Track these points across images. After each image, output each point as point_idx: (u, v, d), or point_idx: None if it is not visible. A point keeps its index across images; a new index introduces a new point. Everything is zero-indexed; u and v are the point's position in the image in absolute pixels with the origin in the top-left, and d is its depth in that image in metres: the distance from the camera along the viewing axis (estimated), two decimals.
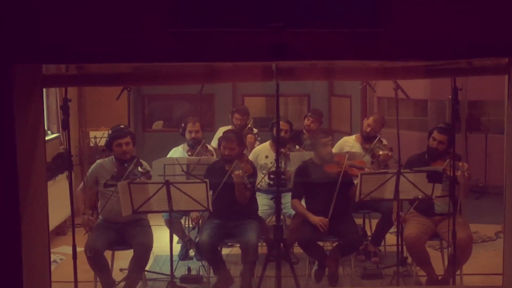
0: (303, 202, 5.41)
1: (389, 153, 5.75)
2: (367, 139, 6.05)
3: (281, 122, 5.49)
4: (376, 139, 5.96)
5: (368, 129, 6.06)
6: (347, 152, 5.49)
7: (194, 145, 6.04)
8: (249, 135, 6.54)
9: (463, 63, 4.00)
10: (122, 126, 5.20)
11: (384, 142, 6.05)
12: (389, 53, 3.48)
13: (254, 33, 3.36)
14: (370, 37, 3.40)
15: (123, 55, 3.49)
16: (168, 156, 6.11)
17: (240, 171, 4.96)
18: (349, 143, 6.16)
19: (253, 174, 5.29)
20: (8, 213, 3.61)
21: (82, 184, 5.19)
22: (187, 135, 6.08)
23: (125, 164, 5.04)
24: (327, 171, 5.18)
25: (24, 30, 3.41)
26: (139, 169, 5.05)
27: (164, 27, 3.36)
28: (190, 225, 5.85)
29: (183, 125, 6.15)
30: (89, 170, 5.19)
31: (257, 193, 5.62)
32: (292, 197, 5.36)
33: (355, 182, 5.07)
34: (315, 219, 5.12)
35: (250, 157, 5.91)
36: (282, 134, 5.92)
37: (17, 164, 3.58)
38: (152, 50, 3.45)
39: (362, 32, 3.38)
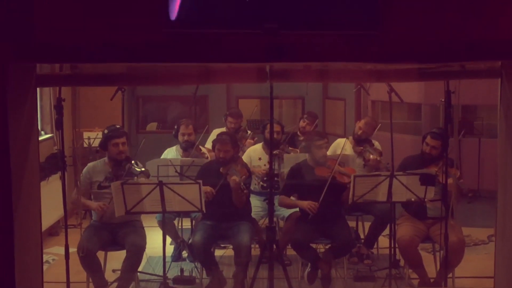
0: None
1: (378, 158, 5.76)
2: (358, 142, 6.06)
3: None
4: (368, 143, 5.97)
5: (360, 132, 6.08)
6: (340, 154, 5.50)
7: (187, 148, 6.04)
8: (248, 140, 6.54)
9: (456, 66, 4.01)
10: (118, 126, 5.20)
11: (376, 145, 6.06)
12: (383, 56, 3.49)
13: (249, 34, 3.36)
14: (365, 39, 3.40)
15: (118, 55, 3.48)
16: (162, 157, 6.11)
17: (237, 177, 4.95)
18: (343, 145, 6.17)
19: (249, 176, 5.29)
20: (0, 212, 3.59)
21: (75, 190, 5.17)
22: (180, 138, 6.08)
23: (122, 163, 5.03)
24: (317, 174, 5.21)
25: (19, 29, 3.40)
26: (137, 168, 5.04)
27: (159, 28, 3.36)
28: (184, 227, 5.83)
29: (176, 127, 6.15)
30: (82, 174, 5.17)
31: (251, 195, 5.63)
32: (280, 194, 5.40)
33: (348, 186, 5.09)
34: (304, 203, 5.18)
35: (243, 159, 5.91)
36: (274, 136, 5.92)
37: (10, 163, 3.56)
38: (147, 51, 3.44)
39: (356, 34, 3.39)
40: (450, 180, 4.83)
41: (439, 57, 3.55)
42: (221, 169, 5.09)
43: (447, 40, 3.47)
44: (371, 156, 5.78)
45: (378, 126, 6.27)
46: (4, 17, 3.40)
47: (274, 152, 5.71)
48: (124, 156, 5.07)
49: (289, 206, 5.40)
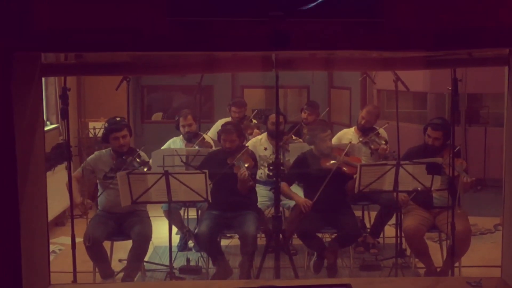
0: (301, 193, 5.43)
1: (384, 147, 5.73)
2: (363, 131, 6.03)
3: (274, 115, 5.45)
4: (373, 132, 5.94)
5: (363, 122, 6.05)
6: (350, 143, 5.47)
7: (190, 138, 6.03)
8: (256, 131, 6.51)
9: (463, 54, 3.99)
10: (118, 119, 5.15)
11: (381, 132, 6.02)
12: (390, 43, 3.47)
13: (254, 23, 3.34)
14: (371, 27, 3.38)
15: (122, 44, 3.47)
16: (166, 145, 6.11)
17: (246, 171, 4.92)
18: (348, 135, 6.15)
19: (255, 166, 5.28)
20: (7, 203, 3.60)
21: (76, 172, 5.17)
22: (182, 130, 6.07)
23: (123, 157, 5.03)
24: (323, 166, 5.19)
25: (23, 18, 3.39)
26: (137, 160, 5.03)
27: (164, 16, 3.34)
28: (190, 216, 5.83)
29: (176, 119, 6.13)
30: (86, 161, 5.19)
31: (257, 185, 5.62)
32: (283, 180, 5.33)
33: (354, 176, 5.07)
34: (300, 199, 5.18)
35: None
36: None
37: (16, 153, 3.57)
38: (152, 39, 3.44)
39: (362, 21, 3.36)
40: (463, 176, 4.80)
41: (445, 44, 3.53)
42: (228, 160, 5.08)
43: (453, 27, 3.44)
44: (378, 146, 5.76)
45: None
46: (6, 7, 3.39)
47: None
48: (125, 149, 5.06)
49: (287, 196, 5.33)
